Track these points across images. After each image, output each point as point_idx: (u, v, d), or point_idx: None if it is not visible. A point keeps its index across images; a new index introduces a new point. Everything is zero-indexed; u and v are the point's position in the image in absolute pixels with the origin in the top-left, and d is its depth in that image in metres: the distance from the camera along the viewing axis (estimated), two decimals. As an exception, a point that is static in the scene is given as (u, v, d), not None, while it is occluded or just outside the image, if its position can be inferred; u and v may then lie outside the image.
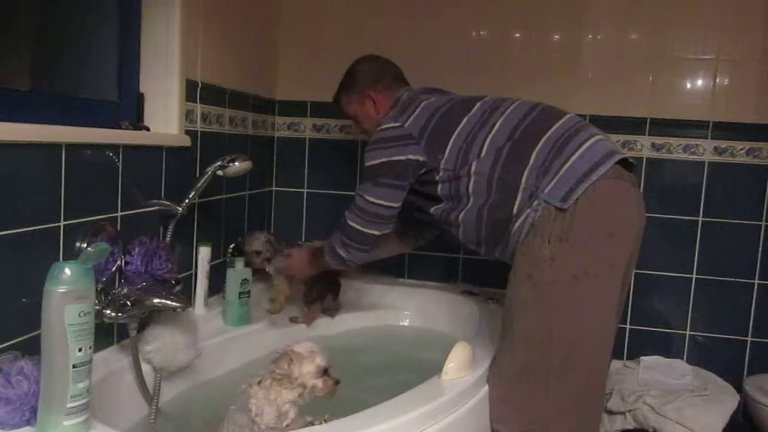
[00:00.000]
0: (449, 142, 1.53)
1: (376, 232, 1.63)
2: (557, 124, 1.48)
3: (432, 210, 1.62)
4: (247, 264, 1.87)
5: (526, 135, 1.48)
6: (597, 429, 1.52)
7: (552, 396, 1.39)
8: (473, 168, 1.49)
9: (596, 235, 1.39)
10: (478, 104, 1.58)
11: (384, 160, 1.58)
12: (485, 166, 1.48)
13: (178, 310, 1.37)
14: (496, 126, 1.51)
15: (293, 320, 1.92)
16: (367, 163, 1.61)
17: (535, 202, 1.40)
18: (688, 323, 2.24)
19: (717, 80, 2.16)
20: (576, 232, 1.37)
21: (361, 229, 1.62)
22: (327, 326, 2.00)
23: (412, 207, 1.69)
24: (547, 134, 1.46)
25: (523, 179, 1.43)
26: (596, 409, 1.52)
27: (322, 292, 1.98)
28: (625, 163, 1.48)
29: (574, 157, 1.41)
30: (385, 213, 1.60)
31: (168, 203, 1.57)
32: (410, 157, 1.56)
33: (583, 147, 1.43)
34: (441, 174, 1.54)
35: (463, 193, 1.52)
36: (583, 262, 1.38)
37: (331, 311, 2.02)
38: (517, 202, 1.43)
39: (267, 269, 1.90)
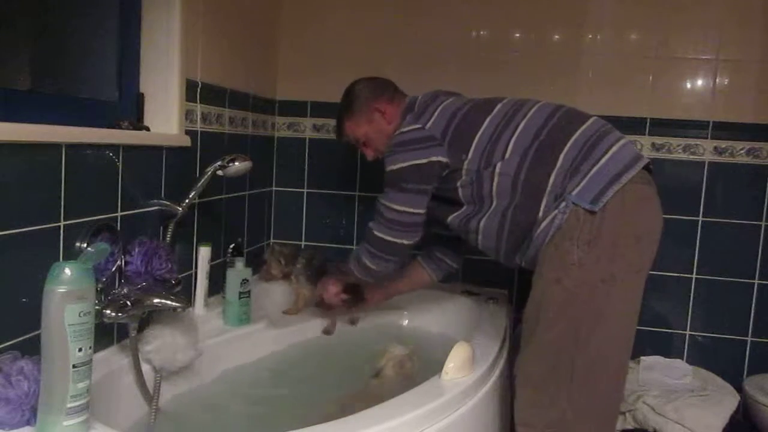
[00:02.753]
0: (473, 142, 1.51)
1: (406, 241, 1.59)
2: (583, 127, 1.48)
3: (450, 219, 1.59)
4: (248, 264, 1.88)
5: (553, 137, 1.47)
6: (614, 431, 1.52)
7: (574, 398, 1.38)
8: (498, 169, 1.47)
9: (624, 239, 1.38)
10: (499, 105, 1.57)
11: (408, 164, 1.54)
12: (511, 167, 1.46)
13: (178, 310, 1.37)
14: (520, 127, 1.50)
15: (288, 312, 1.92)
16: (389, 168, 1.57)
17: (563, 204, 1.39)
18: (688, 323, 2.24)
19: (717, 80, 2.17)
20: (605, 235, 1.36)
21: (391, 239, 1.59)
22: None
23: (431, 219, 1.64)
24: (575, 136, 1.45)
25: (550, 181, 1.42)
26: (615, 412, 1.52)
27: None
28: (647, 169, 1.48)
29: (603, 160, 1.41)
30: (413, 220, 1.57)
31: (168, 203, 1.56)
32: (433, 159, 1.53)
33: (612, 150, 1.42)
34: (464, 177, 1.52)
35: (486, 195, 1.50)
36: (611, 266, 1.37)
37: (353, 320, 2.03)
38: (543, 205, 1.42)
39: (292, 276, 1.94)
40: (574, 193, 1.39)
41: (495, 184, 1.48)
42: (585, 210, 1.37)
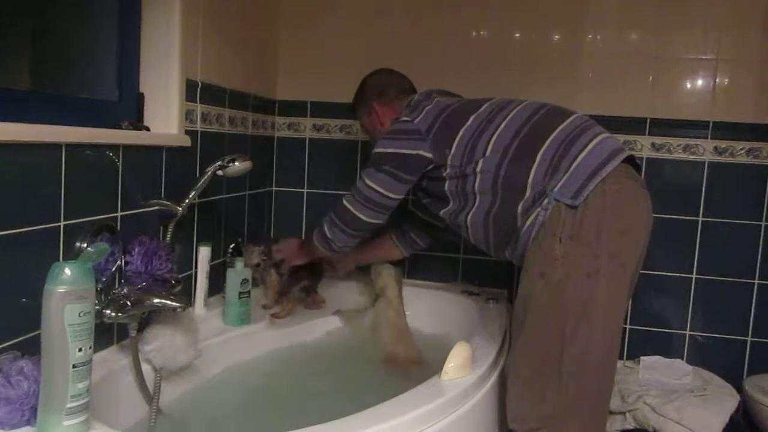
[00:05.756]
0: (456, 139, 1.55)
1: (364, 218, 1.64)
2: (564, 124, 1.49)
3: (442, 213, 1.64)
4: (248, 264, 1.88)
5: (533, 134, 1.48)
6: (605, 426, 1.53)
7: (564, 393, 1.39)
8: (479, 166, 1.50)
9: (607, 233, 1.38)
10: (486, 104, 1.60)
11: (390, 150, 1.60)
12: (491, 164, 1.49)
13: (178, 310, 1.37)
14: (502, 125, 1.52)
15: (275, 316, 1.91)
16: (374, 150, 1.64)
17: (545, 201, 1.40)
18: (688, 323, 2.24)
19: (717, 80, 2.17)
20: (587, 229, 1.37)
21: (352, 210, 1.65)
22: (327, 326, 2.00)
23: (427, 212, 1.75)
24: (554, 134, 1.47)
25: (530, 178, 1.44)
26: (605, 406, 1.52)
27: (297, 279, 1.97)
28: (633, 164, 1.49)
29: (582, 155, 1.42)
30: (378, 200, 1.62)
31: (168, 203, 1.56)
32: (417, 152, 1.57)
33: (590, 145, 1.44)
34: (448, 170, 1.55)
35: (470, 192, 1.53)
36: (595, 261, 1.38)
37: (315, 304, 2.05)
38: (523, 201, 1.44)
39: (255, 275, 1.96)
40: (555, 189, 1.40)
41: (477, 181, 1.51)
42: (566, 205, 1.38)
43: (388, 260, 2.07)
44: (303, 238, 1.99)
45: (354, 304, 2.12)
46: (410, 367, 1.85)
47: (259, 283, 1.97)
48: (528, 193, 1.44)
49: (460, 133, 1.55)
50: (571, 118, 1.51)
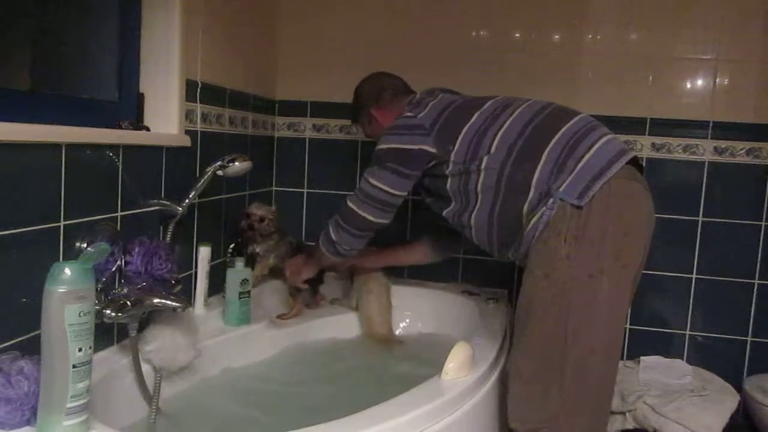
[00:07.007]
0: (460, 135, 1.54)
1: (369, 217, 1.63)
2: (569, 124, 1.49)
3: (445, 213, 1.63)
4: (248, 264, 1.88)
5: (538, 133, 1.48)
6: (605, 427, 1.53)
7: (566, 393, 1.39)
8: (484, 163, 1.49)
9: (611, 234, 1.39)
10: (490, 101, 1.60)
11: (393, 146, 1.60)
12: (496, 161, 1.48)
13: (178, 310, 1.37)
14: (507, 123, 1.52)
15: (281, 317, 1.91)
16: (377, 147, 1.64)
17: (550, 200, 1.40)
18: (688, 323, 2.24)
19: (717, 80, 2.17)
20: (591, 230, 1.37)
21: (356, 209, 1.64)
22: (327, 325, 2.00)
23: (434, 214, 1.74)
24: (559, 134, 1.47)
25: (535, 178, 1.43)
26: (606, 407, 1.53)
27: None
28: (637, 165, 1.49)
29: (587, 156, 1.42)
30: (383, 198, 1.61)
31: (168, 203, 1.56)
32: (420, 147, 1.57)
33: (596, 146, 1.44)
34: (451, 167, 1.55)
35: (472, 190, 1.52)
36: (599, 261, 1.38)
37: (317, 303, 2.06)
38: (527, 201, 1.44)
39: (256, 249, 1.97)
40: (561, 189, 1.40)
41: (480, 178, 1.50)
42: (572, 205, 1.38)
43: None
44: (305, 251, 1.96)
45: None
46: (389, 343, 1.95)
47: (257, 241, 1.96)
48: (532, 192, 1.44)
49: (464, 129, 1.54)
50: (576, 119, 1.51)
